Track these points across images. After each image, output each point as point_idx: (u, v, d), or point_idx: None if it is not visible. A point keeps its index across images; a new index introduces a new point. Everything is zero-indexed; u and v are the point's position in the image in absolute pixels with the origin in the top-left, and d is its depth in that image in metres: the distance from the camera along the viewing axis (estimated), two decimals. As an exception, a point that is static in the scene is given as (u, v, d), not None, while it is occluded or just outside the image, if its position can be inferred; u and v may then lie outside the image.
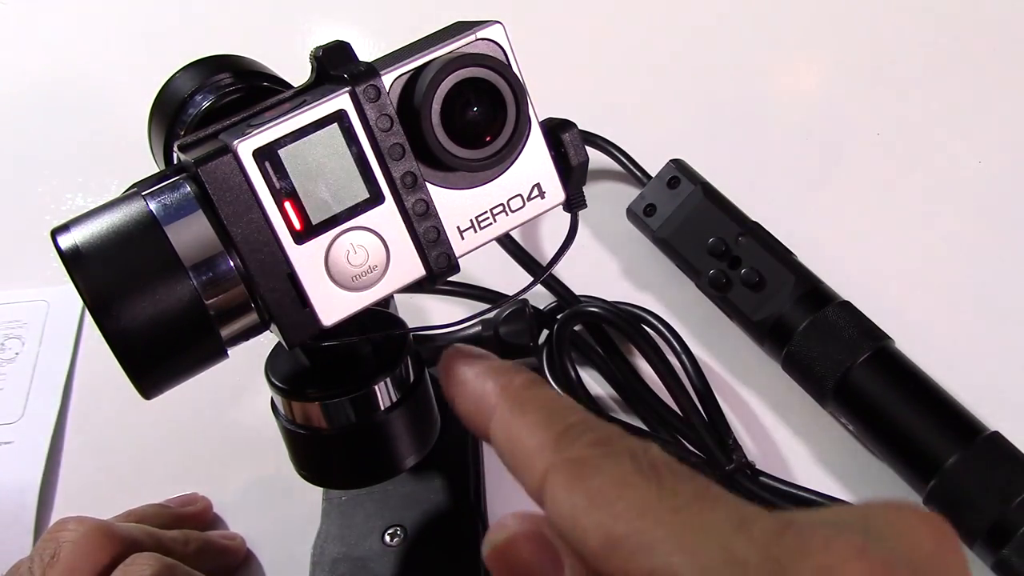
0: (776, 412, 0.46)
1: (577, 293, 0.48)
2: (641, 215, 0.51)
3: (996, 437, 0.40)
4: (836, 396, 0.43)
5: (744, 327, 0.47)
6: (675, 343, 0.44)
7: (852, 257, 0.51)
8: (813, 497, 0.39)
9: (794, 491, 0.39)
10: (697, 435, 0.42)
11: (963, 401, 0.42)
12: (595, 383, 0.48)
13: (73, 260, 0.26)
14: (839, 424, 0.44)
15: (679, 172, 0.50)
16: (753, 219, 0.48)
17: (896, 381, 0.42)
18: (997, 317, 0.49)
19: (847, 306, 0.45)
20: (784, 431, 0.46)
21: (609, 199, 0.54)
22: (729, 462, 0.41)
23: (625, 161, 0.54)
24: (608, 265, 0.53)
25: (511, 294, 0.49)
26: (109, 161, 0.60)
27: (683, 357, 0.44)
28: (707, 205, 0.49)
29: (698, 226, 0.49)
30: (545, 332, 0.46)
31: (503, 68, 0.27)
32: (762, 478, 0.40)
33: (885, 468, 0.43)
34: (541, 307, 0.48)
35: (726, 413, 0.44)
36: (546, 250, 0.53)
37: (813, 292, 0.45)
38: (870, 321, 0.44)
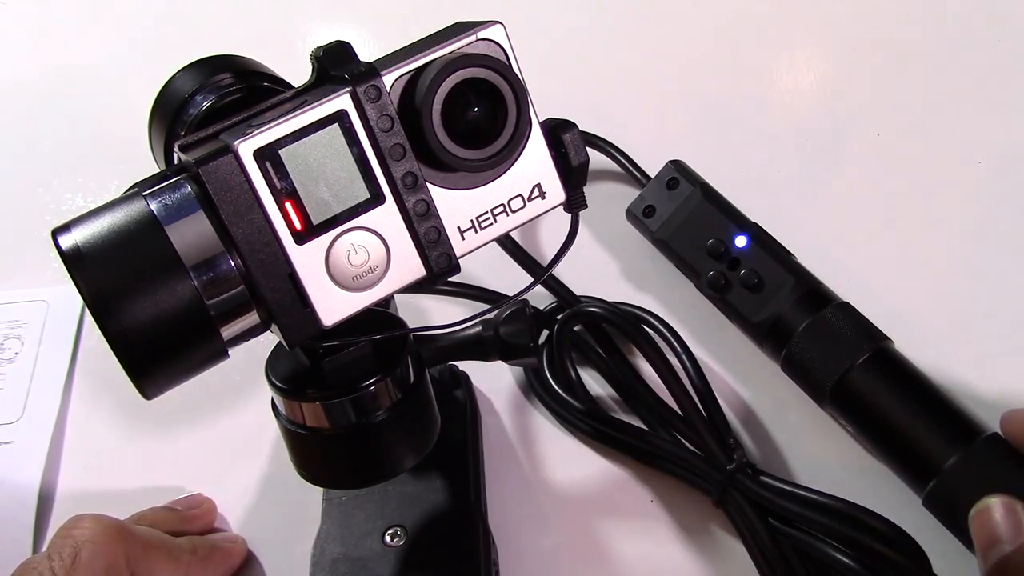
0: (776, 412, 0.46)
1: (577, 293, 0.48)
2: (640, 216, 0.51)
3: (996, 438, 0.40)
4: (835, 397, 0.43)
5: (744, 328, 0.47)
6: (675, 343, 0.44)
7: (853, 257, 0.51)
8: (814, 496, 0.39)
9: (795, 491, 0.39)
10: (697, 435, 0.42)
11: (963, 402, 0.42)
12: (595, 383, 0.48)
13: (74, 260, 0.26)
14: (839, 424, 0.45)
15: (678, 173, 0.50)
16: (752, 220, 0.48)
17: (895, 382, 0.42)
18: (998, 316, 0.49)
19: (846, 307, 0.44)
20: (784, 431, 0.46)
21: (608, 200, 0.54)
22: (730, 462, 0.41)
23: (624, 162, 0.54)
24: (608, 266, 0.53)
25: (511, 294, 0.49)
26: (109, 161, 0.60)
27: (683, 357, 0.44)
28: (706, 206, 0.49)
29: (697, 227, 0.49)
30: (545, 332, 0.46)
31: (504, 68, 0.27)
32: (763, 477, 0.40)
33: (885, 468, 0.43)
34: (541, 307, 0.48)
35: (726, 413, 0.44)
36: (546, 250, 0.53)
37: (812, 293, 0.45)
38: (869, 322, 0.44)
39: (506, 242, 0.48)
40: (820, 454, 0.45)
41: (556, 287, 0.47)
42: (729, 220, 0.48)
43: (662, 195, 0.50)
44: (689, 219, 0.49)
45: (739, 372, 0.48)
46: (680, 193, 0.50)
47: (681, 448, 0.43)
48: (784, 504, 0.39)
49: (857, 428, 0.43)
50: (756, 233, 0.47)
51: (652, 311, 0.46)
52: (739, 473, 0.40)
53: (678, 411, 0.43)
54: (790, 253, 0.47)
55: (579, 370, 0.47)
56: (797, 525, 0.39)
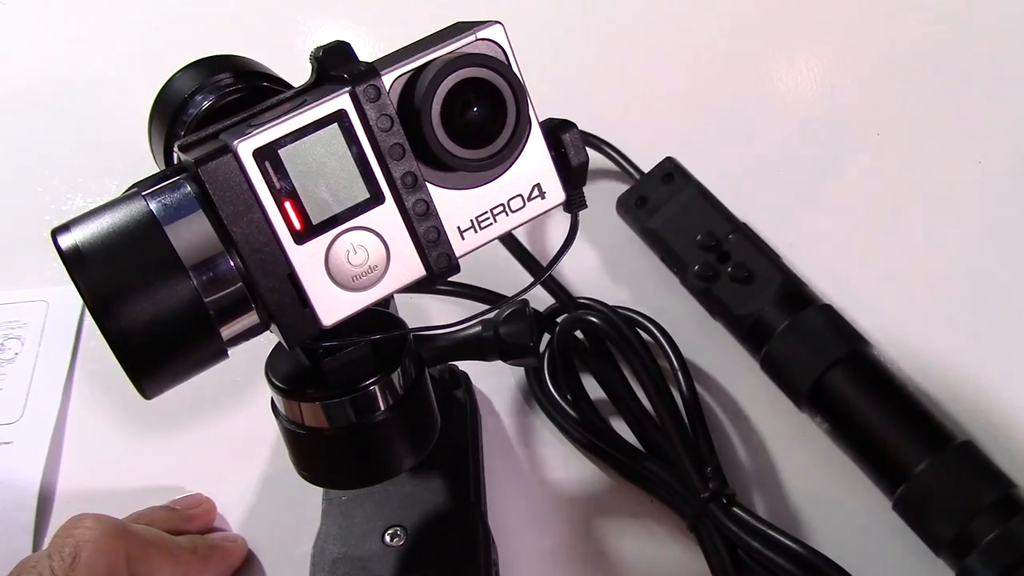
0: (762, 422, 0.46)
1: (578, 295, 0.47)
2: (632, 206, 0.51)
3: (968, 446, 0.39)
4: (811, 399, 0.43)
5: (725, 322, 0.47)
6: (672, 356, 0.44)
7: (852, 256, 0.51)
8: (782, 539, 0.38)
9: (764, 529, 0.38)
10: (678, 457, 0.41)
11: (938, 408, 0.41)
12: (595, 385, 0.47)
13: (74, 260, 0.26)
14: (815, 423, 0.44)
15: (674, 169, 0.51)
16: (743, 221, 0.49)
17: (870, 386, 0.42)
18: (997, 318, 0.48)
19: (827, 310, 0.44)
20: (770, 441, 0.45)
21: (602, 199, 0.54)
22: (704, 490, 0.40)
23: (620, 159, 0.54)
24: (598, 266, 0.52)
25: (511, 294, 0.48)
26: (109, 161, 0.60)
27: (679, 373, 0.43)
28: (701, 201, 0.49)
29: (690, 221, 0.49)
30: (547, 337, 0.46)
31: (503, 68, 0.27)
32: (735, 509, 0.39)
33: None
34: (541, 309, 0.48)
35: (718, 429, 0.43)
36: (545, 250, 0.53)
37: (795, 294, 0.45)
38: (849, 325, 0.44)
39: (509, 241, 0.47)
40: (807, 467, 0.44)
41: (555, 289, 0.47)
42: (722, 217, 0.49)
43: (656, 188, 0.51)
44: (682, 213, 0.49)
45: (727, 380, 0.47)
46: (675, 187, 0.50)
47: (659, 472, 0.42)
48: (749, 542, 0.38)
49: (832, 430, 0.43)
50: (747, 232, 0.48)
51: (651, 317, 0.46)
52: (712, 503, 0.40)
53: (663, 427, 0.42)
54: (777, 255, 0.48)
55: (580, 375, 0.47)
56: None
